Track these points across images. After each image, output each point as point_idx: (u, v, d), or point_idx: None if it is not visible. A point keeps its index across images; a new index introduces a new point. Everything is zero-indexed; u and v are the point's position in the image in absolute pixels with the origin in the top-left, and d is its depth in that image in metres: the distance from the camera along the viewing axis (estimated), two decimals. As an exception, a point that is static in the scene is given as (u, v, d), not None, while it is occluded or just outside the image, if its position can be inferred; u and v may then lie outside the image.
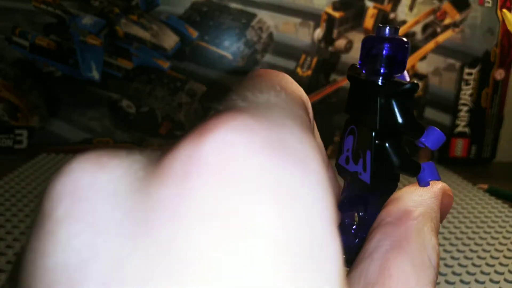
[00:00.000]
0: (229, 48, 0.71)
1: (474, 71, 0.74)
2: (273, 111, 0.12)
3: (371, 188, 0.18)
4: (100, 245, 0.10)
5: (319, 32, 0.71)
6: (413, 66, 0.73)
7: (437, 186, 0.19)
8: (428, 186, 0.18)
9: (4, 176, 0.60)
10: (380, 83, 0.18)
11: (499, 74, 0.75)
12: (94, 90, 0.71)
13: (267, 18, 0.70)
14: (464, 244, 0.46)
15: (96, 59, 0.70)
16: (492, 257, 0.43)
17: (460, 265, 0.41)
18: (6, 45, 0.69)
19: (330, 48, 0.72)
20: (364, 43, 0.19)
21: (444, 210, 0.18)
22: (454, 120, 0.76)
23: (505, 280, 0.39)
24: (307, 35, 0.71)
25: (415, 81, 0.18)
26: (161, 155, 0.11)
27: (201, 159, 0.10)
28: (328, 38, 0.71)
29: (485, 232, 0.49)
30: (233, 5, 0.70)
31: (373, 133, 0.18)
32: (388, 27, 0.18)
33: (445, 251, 0.44)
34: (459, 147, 0.77)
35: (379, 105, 0.18)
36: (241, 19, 0.70)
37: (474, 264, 0.41)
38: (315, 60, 0.72)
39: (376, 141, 0.18)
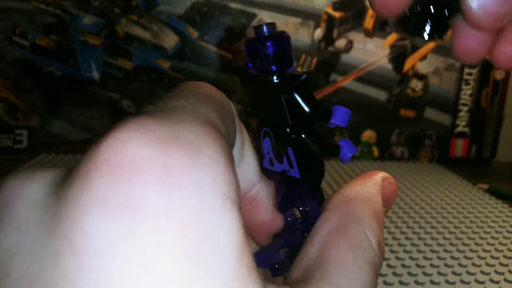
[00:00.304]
0: (229, 48, 0.71)
1: (474, 71, 0.74)
2: (176, 112, 0.14)
3: (303, 181, 0.19)
4: (22, 242, 0.12)
5: (319, 32, 0.71)
6: (413, 66, 0.73)
7: (377, 175, 0.19)
8: (372, 177, 0.19)
9: (4, 176, 0.60)
10: (276, 81, 0.18)
11: (499, 74, 0.74)
12: (94, 90, 0.71)
13: (267, 18, 0.70)
14: (464, 244, 0.46)
15: (96, 59, 0.70)
16: (492, 257, 0.43)
17: (460, 265, 0.41)
18: (6, 45, 0.69)
19: (330, 48, 0.72)
20: (247, 46, 0.19)
21: (388, 196, 0.19)
22: (454, 120, 0.76)
23: (505, 280, 0.39)
24: (307, 35, 0.71)
25: (309, 70, 0.18)
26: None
27: (98, 156, 0.12)
28: (328, 38, 0.71)
29: (485, 232, 0.49)
30: (233, 5, 0.70)
31: (288, 129, 0.18)
32: (264, 25, 0.18)
33: (445, 251, 0.44)
34: (459, 147, 0.77)
35: (284, 101, 0.18)
36: (241, 19, 0.70)
37: (474, 264, 0.41)
38: (315, 60, 0.72)
39: (293, 136, 0.18)
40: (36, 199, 0.13)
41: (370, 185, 0.19)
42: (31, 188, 0.13)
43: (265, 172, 0.20)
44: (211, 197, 0.12)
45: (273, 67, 0.18)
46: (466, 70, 0.74)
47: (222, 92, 0.17)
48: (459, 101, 0.75)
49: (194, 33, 0.70)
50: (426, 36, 0.20)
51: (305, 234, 0.19)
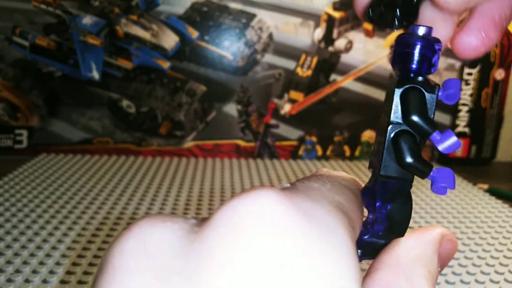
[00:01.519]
0: (229, 48, 0.71)
1: (474, 71, 0.74)
2: (311, 192, 0.15)
3: (380, 179, 0.18)
4: None
5: (319, 32, 0.71)
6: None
7: (435, 231, 0.18)
8: (429, 233, 0.18)
9: (4, 176, 0.60)
10: (398, 78, 0.18)
11: (499, 74, 0.74)
12: (94, 90, 0.71)
13: (267, 18, 0.70)
14: (464, 244, 0.46)
15: (96, 59, 0.70)
16: (492, 257, 0.43)
17: (460, 265, 0.41)
18: (6, 45, 0.69)
19: (330, 48, 0.72)
20: (397, 41, 0.19)
21: (446, 255, 0.18)
22: (454, 120, 0.76)
23: (505, 280, 0.39)
24: (307, 35, 0.71)
25: (436, 84, 0.18)
26: (207, 217, 0.14)
27: (245, 211, 0.13)
28: (328, 38, 0.71)
29: (485, 232, 0.49)
30: (233, 5, 0.70)
31: (389, 125, 0.18)
32: (422, 26, 0.18)
33: (445, 251, 0.44)
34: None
35: (394, 97, 0.18)
36: (241, 19, 0.70)
37: (474, 264, 0.41)
38: (315, 60, 0.72)
39: (391, 133, 0.18)
40: (174, 248, 0.13)
41: (426, 243, 0.18)
42: (169, 236, 0.13)
43: (369, 163, 0.20)
44: (344, 280, 0.13)
45: (411, 66, 0.18)
46: (466, 70, 0.74)
47: (354, 178, 0.19)
48: (459, 101, 0.75)
49: (194, 33, 0.70)
50: (396, 23, 0.19)
51: (367, 236, 0.18)
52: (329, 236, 0.13)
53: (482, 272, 0.40)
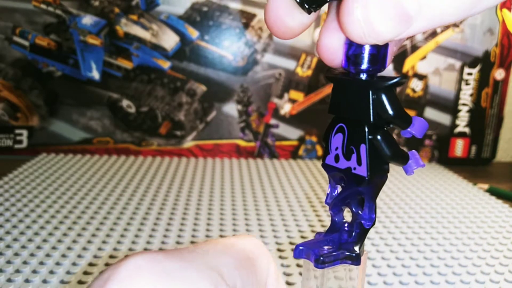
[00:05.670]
0: (229, 48, 0.71)
1: (474, 71, 0.74)
2: (189, 255, 0.18)
3: (368, 180, 0.19)
4: None
5: (319, 32, 0.71)
6: (413, 66, 0.73)
7: None
8: None
9: (4, 176, 0.60)
10: (369, 79, 0.19)
11: (499, 74, 0.74)
12: (94, 90, 0.71)
13: (267, 18, 0.70)
14: (464, 244, 0.46)
15: (96, 59, 0.70)
16: (492, 257, 0.43)
17: (460, 265, 0.41)
18: (6, 45, 0.69)
19: (330, 48, 0.72)
20: (347, 42, 0.19)
21: None
22: (454, 120, 0.76)
23: (505, 280, 0.39)
24: (307, 35, 0.71)
25: (402, 75, 0.19)
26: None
27: (115, 275, 0.16)
28: (328, 38, 0.71)
29: (485, 232, 0.49)
30: (233, 5, 0.70)
31: (366, 127, 0.19)
32: None
33: (445, 251, 0.44)
34: (459, 147, 0.77)
35: (371, 99, 0.18)
36: (241, 19, 0.70)
37: (474, 264, 0.41)
38: (315, 60, 0.72)
39: (370, 135, 0.19)
40: None
41: None
42: None
43: (326, 168, 0.20)
44: None
45: (368, 66, 0.19)
46: (466, 70, 0.74)
47: (259, 251, 0.21)
48: (459, 101, 0.75)
49: (194, 33, 0.70)
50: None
51: (351, 237, 0.19)
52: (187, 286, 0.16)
53: (482, 272, 0.40)
